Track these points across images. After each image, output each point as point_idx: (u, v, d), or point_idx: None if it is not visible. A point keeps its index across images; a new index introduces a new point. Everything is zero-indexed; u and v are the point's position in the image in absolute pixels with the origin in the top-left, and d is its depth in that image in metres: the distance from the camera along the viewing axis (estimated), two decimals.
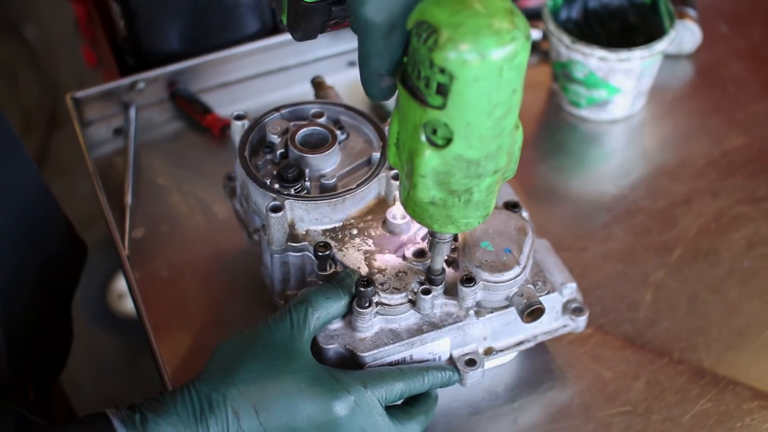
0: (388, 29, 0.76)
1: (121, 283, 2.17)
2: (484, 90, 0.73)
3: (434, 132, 0.76)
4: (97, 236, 2.14)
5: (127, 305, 2.16)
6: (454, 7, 0.71)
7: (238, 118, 1.00)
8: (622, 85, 1.20)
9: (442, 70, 0.72)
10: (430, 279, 0.92)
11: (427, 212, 0.82)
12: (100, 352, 2.15)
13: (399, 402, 0.92)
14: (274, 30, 1.29)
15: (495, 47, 0.71)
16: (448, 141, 0.76)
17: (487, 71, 0.72)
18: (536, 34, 1.32)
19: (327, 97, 1.05)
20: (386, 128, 0.98)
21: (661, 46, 1.18)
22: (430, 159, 0.77)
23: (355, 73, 0.84)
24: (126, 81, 1.24)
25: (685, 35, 1.30)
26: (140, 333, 1.06)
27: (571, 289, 0.98)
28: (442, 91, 0.73)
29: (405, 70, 0.77)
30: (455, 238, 0.93)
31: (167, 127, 1.26)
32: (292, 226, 0.95)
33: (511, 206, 0.98)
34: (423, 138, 0.77)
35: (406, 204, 0.84)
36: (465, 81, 0.72)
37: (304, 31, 0.89)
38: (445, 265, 0.94)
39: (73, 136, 1.23)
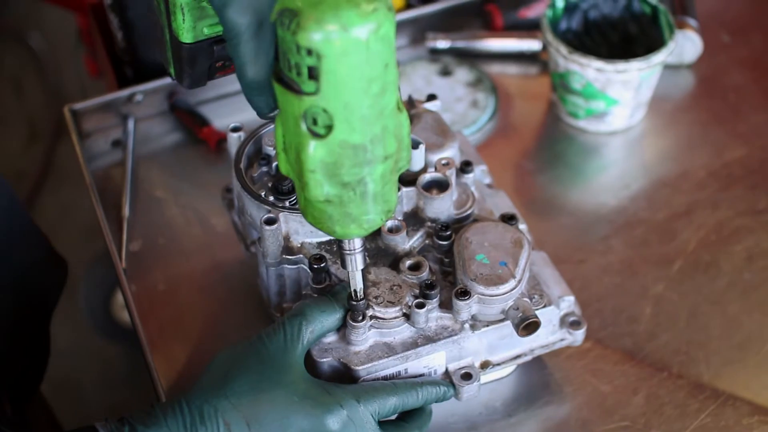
0: (256, 28, 0.77)
1: None
2: (355, 65, 0.73)
3: (315, 122, 0.76)
4: (101, 246, 2.14)
5: None
6: None
7: (235, 130, 1.00)
8: (620, 97, 1.20)
9: (309, 51, 0.73)
10: (424, 294, 0.91)
11: (325, 213, 0.81)
12: (105, 362, 2.15)
13: (393, 417, 0.92)
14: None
15: (357, 20, 0.72)
16: (330, 128, 0.76)
17: (353, 45, 0.72)
18: (535, 44, 1.32)
19: None
20: None
21: (659, 57, 1.18)
22: (315, 150, 0.77)
23: None
24: (124, 93, 1.24)
25: (685, 45, 1.29)
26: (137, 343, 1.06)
27: (568, 303, 0.97)
28: (314, 74, 0.74)
29: (278, 68, 0.77)
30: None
31: (165, 139, 1.26)
32: (287, 238, 0.95)
33: (508, 218, 0.97)
34: (304, 128, 0.76)
35: (305, 210, 0.82)
36: (333, 58, 0.72)
37: (190, 77, 0.90)
38: (441, 277, 0.93)
39: (74, 147, 1.23)
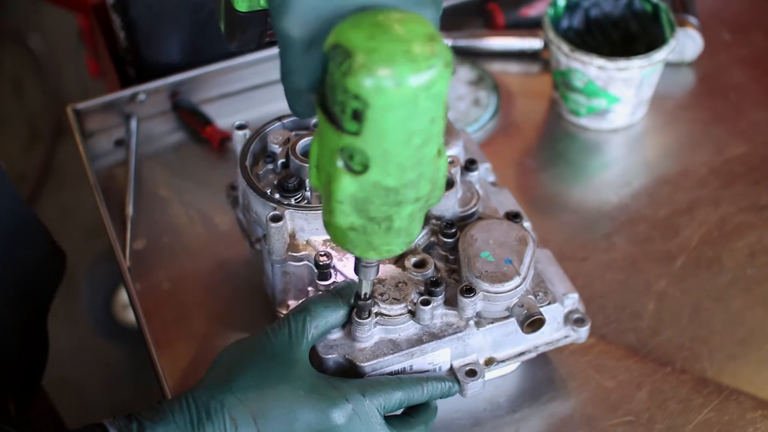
0: (307, 45, 0.74)
1: (126, 294, 2.17)
2: (400, 118, 0.70)
3: (351, 158, 0.73)
4: (103, 246, 2.14)
5: (133, 315, 2.16)
6: (371, 31, 0.69)
7: (240, 127, 1.00)
8: (622, 95, 1.20)
9: (357, 96, 0.69)
10: (429, 291, 0.91)
11: (346, 237, 0.80)
12: (107, 362, 2.15)
13: (398, 412, 0.92)
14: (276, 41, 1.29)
15: (411, 74, 0.68)
16: (366, 167, 0.73)
17: (403, 99, 0.69)
18: (537, 43, 1.32)
19: None
20: None
21: (660, 55, 1.18)
22: (347, 185, 0.75)
23: None
24: (127, 92, 1.24)
25: (686, 43, 1.29)
26: (145, 344, 1.06)
27: (572, 300, 0.98)
28: (357, 117, 0.70)
29: (323, 93, 0.74)
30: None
31: (168, 139, 1.26)
32: (292, 236, 0.95)
33: (513, 216, 0.97)
34: (340, 164, 0.74)
35: (327, 227, 0.81)
36: (379, 109, 0.69)
37: (239, 41, 0.88)
38: (446, 275, 0.94)
39: (77, 148, 1.23)
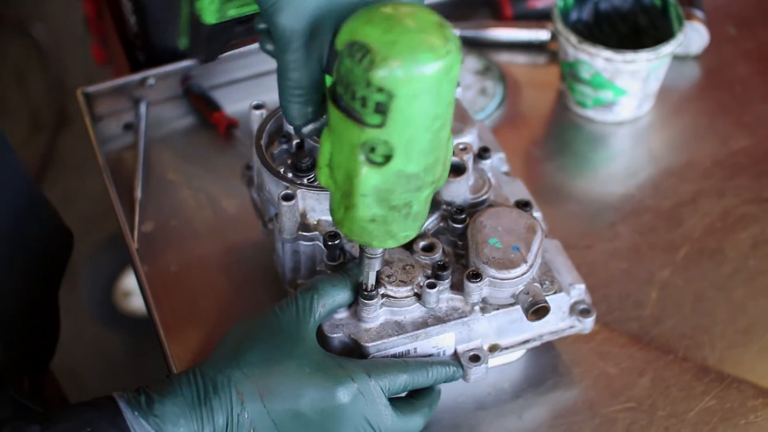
0: (308, 38, 0.75)
1: (126, 282, 2.17)
2: (424, 105, 0.73)
3: (372, 150, 0.75)
4: (103, 235, 2.15)
5: (133, 303, 2.16)
6: (386, 25, 0.71)
7: (257, 107, 1.01)
8: (629, 87, 1.21)
9: (381, 89, 0.71)
10: (436, 274, 0.92)
11: (366, 230, 0.81)
12: (106, 350, 2.16)
13: (402, 394, 0.93)
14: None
15: (432, 62, 0.71)
16: (388, 158, 0.75)
17: (426, 87, 0.72)
18: (544, 34, 1.33)
19: None
20: None
21: (668, 49, 1.19)
22: (370, 178, 0.76)
23: None
24: (136, 77, 1.25)
25: (692, 36, 1.30)
26: (146, 331, 1.07)
27: (579, 291, 0.98)
28: (381, 109, 0.72)
29: (335, 91, 0.75)
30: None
31: (177, 123, 1.27)
32: (303, 215, 0.96)
33: (523, 205, 0.98)
34: (362, 158, 0.76)
35: (341, 223, 0.82)
36: (405, 98, 0.72)
37: (206, 53, 0.89)
38: (453, 260, 0.95)
39: (81, 135, 1.23)
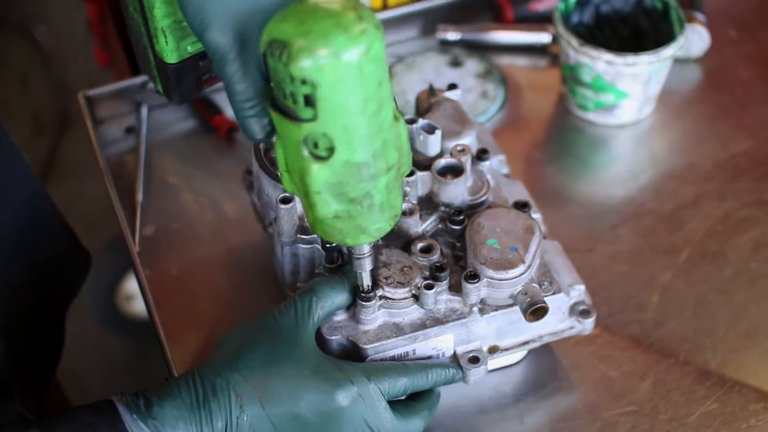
0: (240, 46, 0.77)
1: (129, 285, 2.18)
2: (349, 89, 0.73)
3: (315, 145, 0.76)
4: (105, 238, 2.15)
5: (135, 307, 2.17)
6: (299, 17, 0.72)
7: None
8: (630, 90, 1.21)
9: (304, 81, 0.72)
10: (433, 276, 0.92)
11: (335, 228, 0.82)
12: (108, 353, 2.16)
13: (402, 397, 0.93)
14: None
15: (348, 45, 0.71)
16: (332, 150, 0.76)
17: (347, 70, 0.72)
18: (545, 37, 1.33)
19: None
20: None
21: (669, 52, 1.19)
22: (319, 173, 0.77)
23: None
24: (138, 80, 1.25)
25: (693, 39, 1.30)
26: (148, 334, 1.07)
27: (578, 291, 0.98)
28: (310, 101, 0.73)
29: (272, 95, 0.76)
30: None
31: (178, 126, 1.27)
32: (302, 218, 0.96)
33: (521, 206, 0.98)
34: (306, 153, 0.76)
35: (314, 225, 0.83)
36: (327, 86, 0.72)
37: (179, 93, 0.90)
38: (452, 261, 0.95)
39: (83, 138, 1.24)
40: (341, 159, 0.76)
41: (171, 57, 0.87)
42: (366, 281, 0.90)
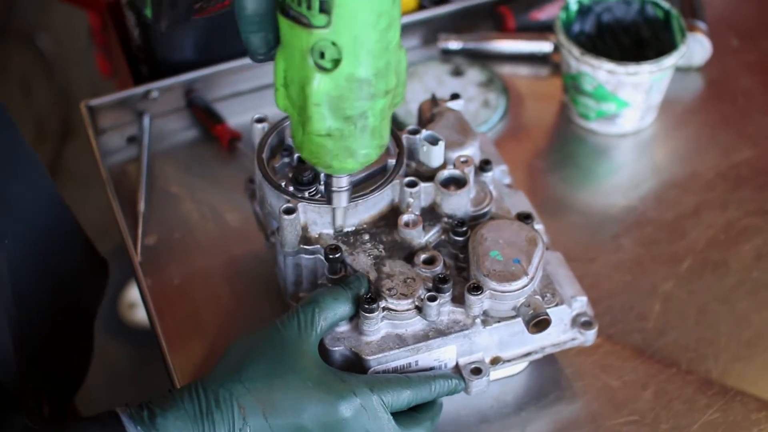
0: None
1: (132, 293, 2.18)
2: None
3: (322, 56, 0.78)
4: (108, 247, 2.14)
5: (138, 315, 2.17)
6: None
7: (259, 121, 1.01)
8: (631, 99, 1.21)
9: None
10: (437, 287, 0.92)
11: (324, 148, 0.83)
12: (111, 362, 2.16)
13: (404, 409, 0.93)
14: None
15: None
16: (337, 62, 0.77)
17: None
18: (547, 46, 1.33)
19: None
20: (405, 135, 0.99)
21: (670, 61, 1.19)
22: (321, 84, 0.78)
23: None
24: (140, 90, 1.25)
25: (695, 48, 1.30)
26: (151, 343, 1.07)
27: (581, 303, 0.98)
28: (325, 8, 0.75)
29: (283, 4, 0.78)
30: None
31: (181, 136, 1.27)
32: (305, 228, 0.96)
33: (524, 217, 0.98)
34: (311, 62, 0.78)
35: (301, 146, 0.84)
36: None
37: (169, 17, 0.89)
38: (455, 272, 0.95)
39: (86, 146, 1.24)
40: (345, 72, 0.78)
41: None
42: (339, 220, 0.92)
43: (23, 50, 2.75)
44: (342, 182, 0.89)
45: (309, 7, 0.75)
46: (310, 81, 0.79)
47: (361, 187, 0.97)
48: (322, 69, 0.78)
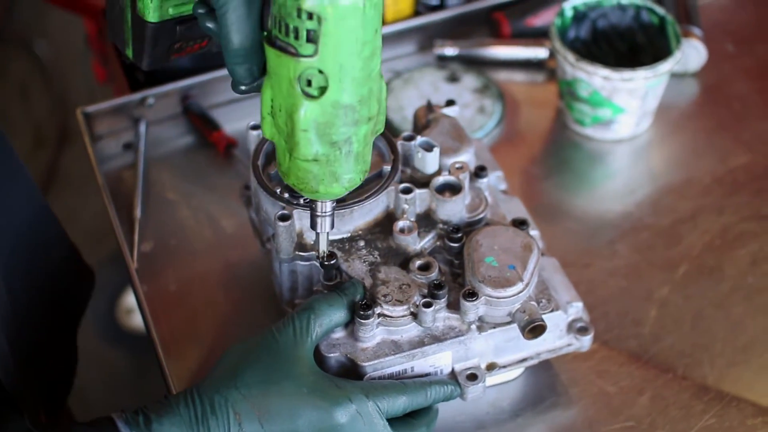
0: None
1: (129, 299, 2.18)
2: (352, 29, 0.77)
3: (309, 84, 0.80)
4: (105, 252, 2.15)
5: (136, 320, 2.17)
6: None
7: (254, 128, 1.02)
8: (627, 105, 1.21)
9: (311, 16, 0.76)
10: (432, 293, 0.92)
11: (311, 173, 0.85)
12: (109, 367, 2.16)
13: (400, 415, 0.93)
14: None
15: None
16: (324, 90, 0.80)
17: (352, 10, 0.76)
18: (542, 52, 1.34)
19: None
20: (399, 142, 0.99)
21: (665, 67, 1.19)
22: (309, 111, 0.81)
23: None
24: (136, 96, 1.26)
25: (690, 54, 1.31)
26: (148, 348, 1.07)
27: (576, 309, 0.98)
28: (312, 37, 0.78)
29: (270, 33, 0.80)
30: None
31: (177, 142, 1.27)
32: (300, 235, 0.96)
33: (519, 223, 0.98)
34: (298, 90, 0.80)
35: (288, 172, 0.86)
36: (333, 21, 0.76)
37: (150, 57, 0.91)
38: (450, 279, 0.95)
39: (83, 152, 1.24)
40: (331, 99, 0.80)
41: (152, 16, 0.89)
42: (323, 245, 0.92)
43: (21, 56, 2.76)
44: (327, 207, 0.90)
45: (297, 37, 0.78)
46: (298, 108, 0.81)
47: (356, 193, 0.97)
48: (309, 96, 0.81)
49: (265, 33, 0.82)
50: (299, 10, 0.76)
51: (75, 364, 1.24)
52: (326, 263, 0.94)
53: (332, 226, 0.91)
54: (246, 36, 0.81)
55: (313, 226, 0.91)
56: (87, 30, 1.77)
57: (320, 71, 0.79)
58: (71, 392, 1.27)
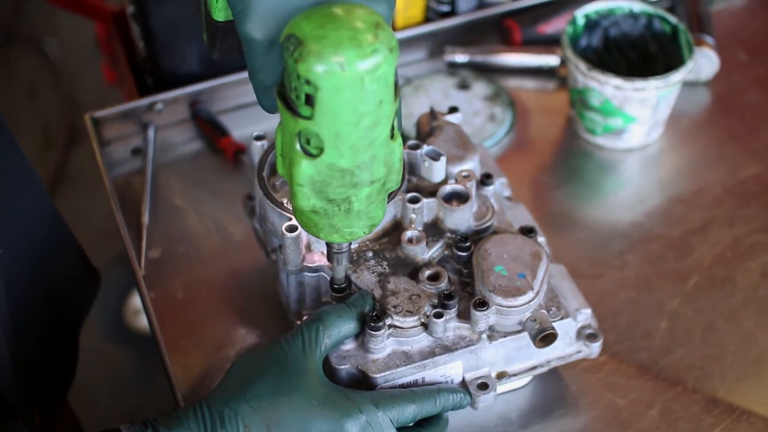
0: (268, 45, 0.78)
1: (137, 300, 2.18)
2: (348, 100, 0.75)
3: (308, 142, 0.78)
4: (114, 252, 2.15)
5: (144, 321, 2.16)
6: (320, 21, 0.74)
7: (258, 138, 1.01)
8: (638, 114, 1.21)
9: (308, 81, 0.75)
10: (442, 304, 0.92)
11: (311, 221, 0.84)
12: (116, 368, 2.16)
13: (410, 424, 0.92)
14: None
15: (355, 59, 0.73)
16: (321, 150, 0.78)
17: (349, 82, 0.74)
18: (554, 59, 1.33)
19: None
20: None
21: (678, 77, 1.18)
22: (305, 168, 0.79)
23: None
24: (145, 101, 1.25)
25: (702, 63, 1.30)
26: (156, 349, 1.07)
27: (585, 315, 0.98)
28: (310, 101, 0.76)
29: (282, 83, 0.79)
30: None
31: (185, 148, 1.27)
32: (307, 246, 0.96)
33: (527, 231, 0.98)
34: (298, 147, 0.79)
35: (295, 213, 0.85)
36: (328, 91, 0.74)
37: (220, 50, 0.92)
38: (459, 288, 0.94)
39: (92, 153, 1.23)
40: (328, 161, 0.78)
41: (218, 15, 0.89)
42: (340, 274, 0.92)
43: (30, 56, 2.76)
44: (342, 246, 0.89)
45: (297, 97, 0.76)
46: (296, 163, 0.80)
47: None
48: (308, 154, 0.79)
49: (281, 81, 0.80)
50: (297, 74, 0.75)
51: (75, 364, 1.24)
52: (341, 294, 0.94)
53: (348, 261, 0.91)
54: (265, 78, 0.80)
55: (330, 259, 0.90)
56: (97, 32, 1.77)
57: (317, 134, 0.77)
58: (77, 393, 1.27)
